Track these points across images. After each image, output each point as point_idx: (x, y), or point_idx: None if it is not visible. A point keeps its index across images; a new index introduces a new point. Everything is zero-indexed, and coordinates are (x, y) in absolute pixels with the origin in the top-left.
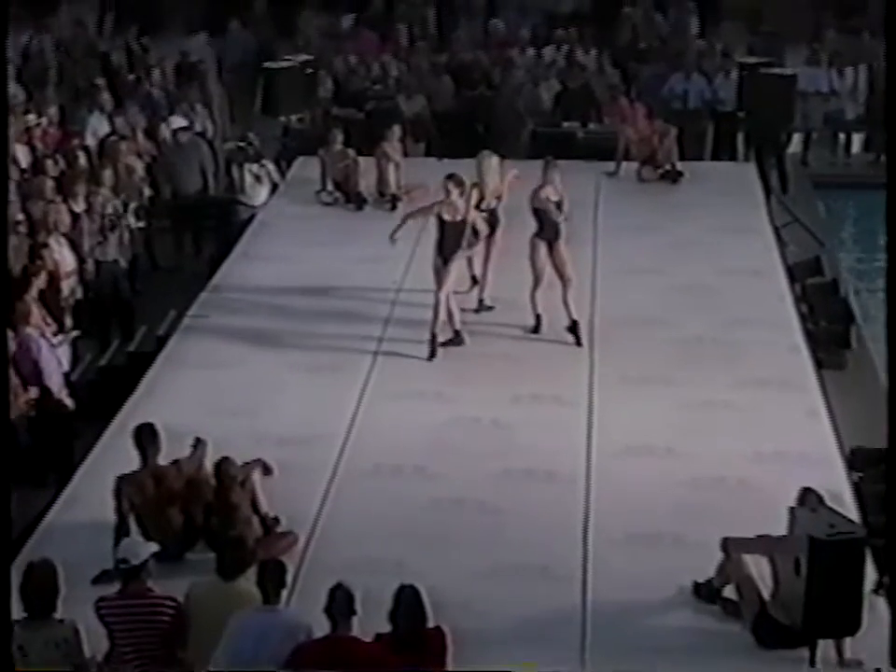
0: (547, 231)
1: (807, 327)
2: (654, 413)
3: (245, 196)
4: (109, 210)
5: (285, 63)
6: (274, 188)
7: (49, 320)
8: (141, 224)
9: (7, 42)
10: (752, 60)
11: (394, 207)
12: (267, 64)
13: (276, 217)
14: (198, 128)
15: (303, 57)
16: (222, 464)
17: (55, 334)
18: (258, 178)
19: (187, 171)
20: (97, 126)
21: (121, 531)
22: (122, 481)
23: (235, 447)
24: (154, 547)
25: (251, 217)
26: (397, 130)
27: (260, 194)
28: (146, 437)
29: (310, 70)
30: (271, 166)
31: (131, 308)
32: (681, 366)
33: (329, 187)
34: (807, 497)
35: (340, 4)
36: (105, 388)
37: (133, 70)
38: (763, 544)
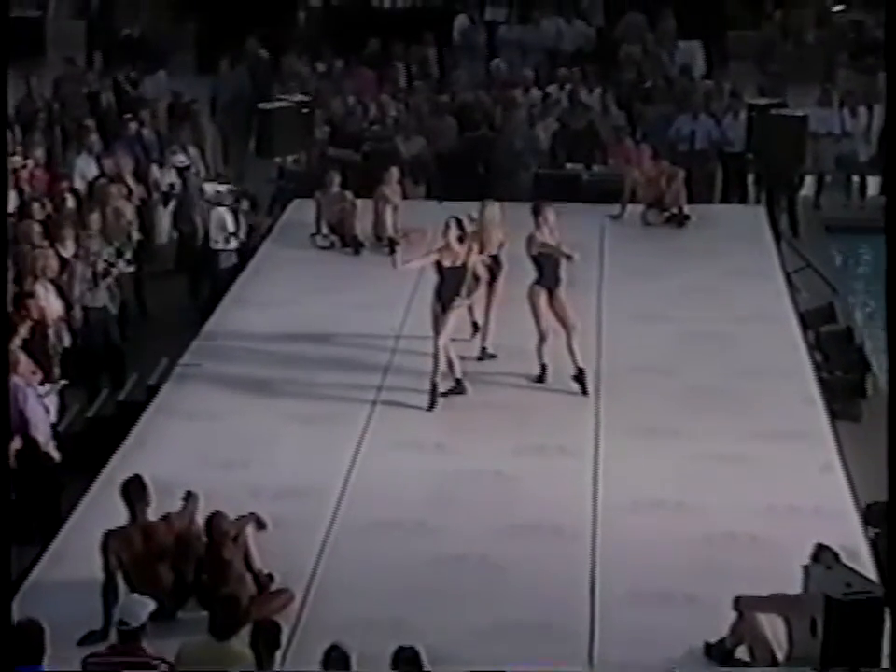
0: (547, 278)
1: (822, 376)
2: (663, 465)
3: (221, 241)
4: (104, 257)
5: (280, 104)
6: (249, 232)
7: (36, 369)
8: (131, 269)
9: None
10: (762, 101)
11: (392, 251)
12: (262, 105)
13: (271, 261)
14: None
15: (299, 97)
16: (214, 519)
17: (42, 383)
18: (252, 224)
19: (179, 214)
20: (85, 168)
21: (109, 589)
22: (110, 536)
23: (228, 501)
24: (152, 606)
25: (243, 262)
26: (395, 172)
27: (233, 239)
28: (134, 490)
29: (306, 110)
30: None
31: (121, 356)
32: (691, 417)
33: (325, 230)
34: (822, 553)
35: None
36: (94, 439)
37: (123, 110)
38: (777, 603)
